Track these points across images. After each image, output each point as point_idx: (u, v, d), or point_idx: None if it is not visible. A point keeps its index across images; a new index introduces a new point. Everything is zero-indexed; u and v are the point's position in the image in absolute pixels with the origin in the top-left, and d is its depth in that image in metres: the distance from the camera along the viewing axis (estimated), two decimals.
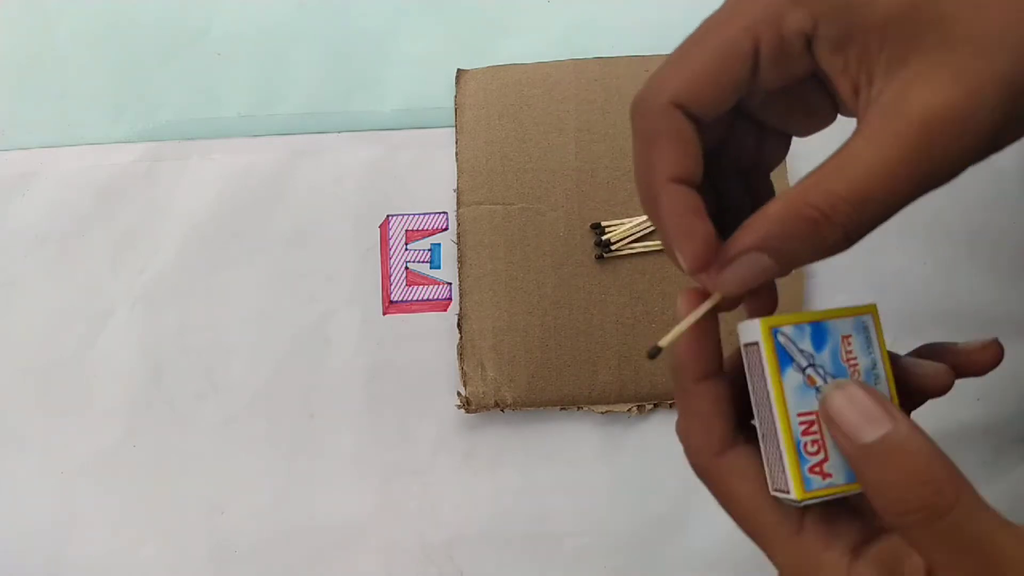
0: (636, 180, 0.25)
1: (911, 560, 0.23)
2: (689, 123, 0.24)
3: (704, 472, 0.25)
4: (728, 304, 0.26)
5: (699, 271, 0.24)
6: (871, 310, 0.24)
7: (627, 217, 0.49)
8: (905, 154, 0.21)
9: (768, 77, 0.24)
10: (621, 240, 0.48)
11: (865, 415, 0.22)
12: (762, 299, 0.27)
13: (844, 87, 0.23)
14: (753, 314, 0.27)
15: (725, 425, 0.25)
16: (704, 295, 0.25)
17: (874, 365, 0.24)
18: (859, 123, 0.23)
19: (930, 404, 0.47)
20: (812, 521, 0.24)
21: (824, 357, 0.24)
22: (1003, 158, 0.49)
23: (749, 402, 0.26)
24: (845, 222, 0.22)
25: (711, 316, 0.25)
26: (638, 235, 0.48)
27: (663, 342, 0.25)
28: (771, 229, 0.23)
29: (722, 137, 0.26)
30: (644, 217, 0.48)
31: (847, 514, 0.24)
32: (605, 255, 0.48)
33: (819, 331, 0.24)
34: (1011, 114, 0.21)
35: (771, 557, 0.25)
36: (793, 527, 0.24)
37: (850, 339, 0.24)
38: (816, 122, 0.26)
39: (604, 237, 0.48)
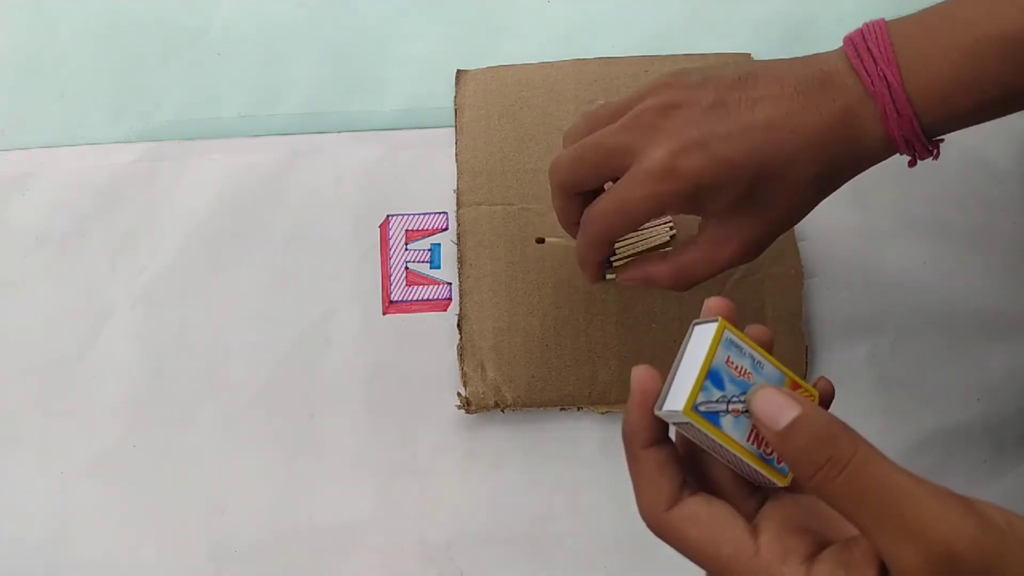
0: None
1: (858, 549, 0.25)
2: (564, 195, 0.39)
3: (658, 528, 0.29)
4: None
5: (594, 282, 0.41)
6: (721, 324, 0.28)
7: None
8: (716, 270, 0.38)
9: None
10: (622, 260, 0.48)
11: (778, 407, 0.26)
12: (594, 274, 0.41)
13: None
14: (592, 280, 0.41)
15: (671, 483, 0.28)
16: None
17: (753, 359, 0.29)
18: (698, 243, 0.37)
19: (930, 404, 0.48)
20: (766, 542, 0.27)
21: (729, 388, 0.28)
22: (1003, 158, 0.49)
23: (693, 459, 0.31)
24: (683, 287, 0.38)
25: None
26: (640, 243, 0.48)
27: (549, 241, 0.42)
28: (647, 278, 0.40)
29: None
30: (649, 228, 0.48)
31: (797, 531, 0.27)
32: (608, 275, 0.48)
33: (714, 377, 0.28)
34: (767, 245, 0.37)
35: None
36: (750, 551, 0.27)
37: (730, 358, 0.28)
38: None
39: (611, 255, 0.47)
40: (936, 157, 0.36)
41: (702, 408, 0.28)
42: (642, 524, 0.48)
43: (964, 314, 0.49)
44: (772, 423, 0.26)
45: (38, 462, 0.49)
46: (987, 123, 0.50)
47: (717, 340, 0.28)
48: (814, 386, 0.30)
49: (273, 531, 0.48)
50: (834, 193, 0.49)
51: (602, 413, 0.49)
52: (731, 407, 0.28)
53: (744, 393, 0.28)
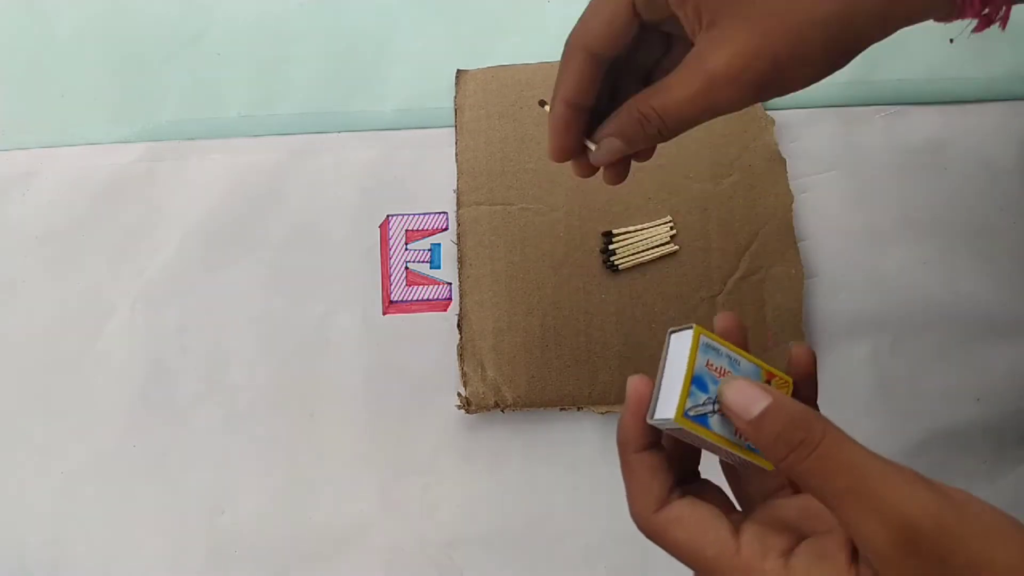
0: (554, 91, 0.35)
1: (831, 539, 0.27)
2: (587, 64, 0.34)
3: (647, 530, 0.30)
4: (586, 171, 0.37)
5: (560, 160, 0.36)
6: (697, 330, 0.29)
7: (629, 221, 0.49)
8: (695, 94, 0.31)
9: (648, 19, 0.33)
10: (627, 258, 0.48)
11: (749, 398, 0.27)
12: (617, 169, 0.37)
13: (686, 29, 0.32)
14: (612, 181, 0.37)
15: (661, 487, 0.30)
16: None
17: (730, 359, 0.30)
18: (688, 56, 0.32)
19: (930, 404, 0.48)
20: (747, 541, 0.28)
21: (712, 389, 0.29)
22: (1003, 158, 0.49)
23: (683, 465, 0.32)
24: (658, 125, 0.33)
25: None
26: (644, 253, 0.49)
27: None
28: (619, 123, 0.34)
29: (631, 50, 0.35)
30: (650, 228, 0.49)
31: (778, 529, 0.28)
32: (610, 269, 0.49)
33: (698, 382, 0.29)
34: (772, 78, 0.30)
35: None
36: (732, 550, 0.28)
37: (709, 361, 0.29)
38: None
39: (612, 255, 0.49)
40: (1004, 24, 0.30)
41: (691, 413, 0.29)
42: None
43: (964, 314, 0.49)
44: (744, 413, 0.27)
45: (38, 462, 0.49)
46: (987, 123, 0.51)
47: (695, 347, 0.29)
48: (789, 353, 0.32)
49: (273, 531, 0.48)
50: (835, 193, 0.50)
51: (602, 413, 0.49)
52: (716, 407, 0.29)
53: None
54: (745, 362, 0.30)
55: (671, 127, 0.33)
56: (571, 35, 0.34)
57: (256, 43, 0.52)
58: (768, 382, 0.31)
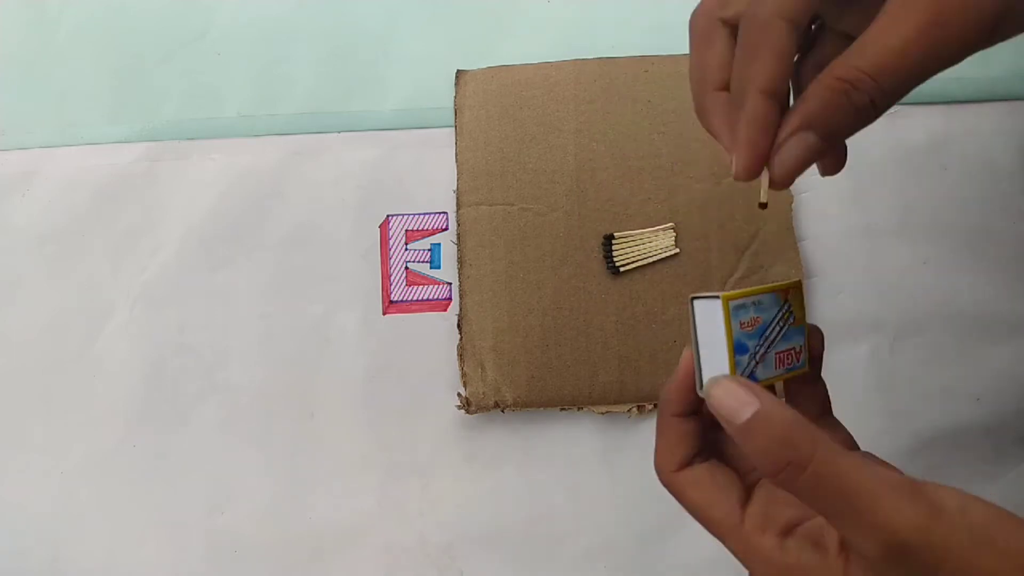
0: (733, 82, 0.28)
1: (828, 529, 0.27)
2: (792, 38, 0.27)
3: (666, 484, 0.31)
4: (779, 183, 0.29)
5: (751, 177, 0.28)
6: (724, 301, 0.29)
7: (629, 222, 0.49)
8: (917, 33, 0.25)
9: None
10: (629, 264, 0.48)
11: (737, 401, 0.27)
12: (833, 165, 0.31)
13: None
14: (828, 171, 0.32)
15: (686, 450, 0.31)
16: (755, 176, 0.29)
17: (756, 305, 0.30)
18: (883, 7, 0.26)
19: (930, 404, 0.48)
20: (752, 512, 0.29)
21: (751, 344, 0.30)
22: (1003, 158, 0.49)
23: (710, 438, 0.32)
24: (870, 90, 0.26)
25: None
26: (645, 259, 0.49)
27: (763, 198, 0.29)
28: (810, 106, 0.27)
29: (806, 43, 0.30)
30: (652, 236, 0.49)
31: (782, 503, 0.29)
32: (611, 270, 0.48)
33: (739, 347, 0.29)
34: (1011, 6, 0.25)
35: (727, 547, 0.29)
36: (737, 519, 0.29)
37: (741, 322, 0.30)
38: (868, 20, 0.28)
39: (613, 258, 0.48)
40: None
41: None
42: (641, 524, 0.48)
43: (964, 314, 0.49)
44: (732, 417, 0.27)
45: (38, 462, 0.49)
46: (988, 123, 0.50)
47: (727, 317, 0.29)
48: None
49: (273, 531, 0.48)
50: (835, 193, 0.50)
51: (602, 413, 0.49)
52: (758, 357, 0.30)
53: (763, 338, 0.30)
54: (767, 298, 0.31)
55: (889, 91, 0.26)
56: (754, 6, 0.27)
57: (256, 43, 0.52)
58: (786, 303, 0.31)
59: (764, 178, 0.28)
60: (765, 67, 0.27)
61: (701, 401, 0.31)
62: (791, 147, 0.27)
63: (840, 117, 0.27)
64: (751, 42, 0.27)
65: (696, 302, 0.30)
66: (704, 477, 0.30)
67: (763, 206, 0.29)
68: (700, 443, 0.31)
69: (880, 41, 0.25)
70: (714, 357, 0.29)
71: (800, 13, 0.27)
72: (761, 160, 0.28)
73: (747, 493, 0.30)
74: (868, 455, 0.31)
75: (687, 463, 0.31)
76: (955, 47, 0.25)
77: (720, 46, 0.29)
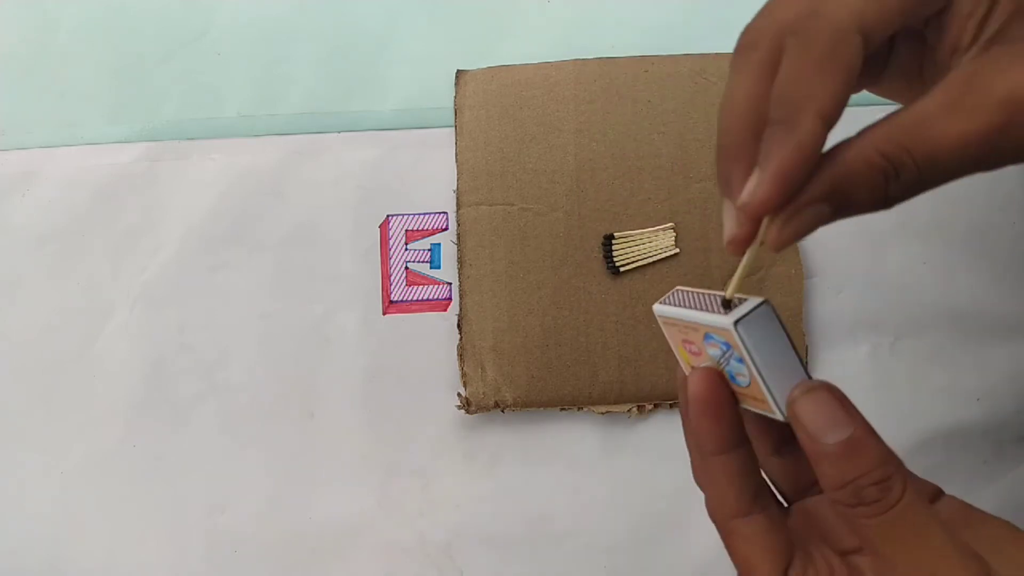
0: (778, 102, 0.23)
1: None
2: (859, 55, 0.23)
3: (719, 528, 0.28)
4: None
5: (753, 219, 0.24)
6: (767, 303, 0.26)
7: (629, 222, 0.49)
8: (984, 131, 0.22)
9: (925, 11, 0.24)
10: (629, 264, 0.48)
11: (831, 419, 0.24)
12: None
13: (947, 36, 0.24)
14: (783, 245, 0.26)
15: (740, 494, 0.27)
16: (749, 240, 0.25)
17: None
18: (940, 83, 0.23)
19: (930, 404, 0.48)
20: None
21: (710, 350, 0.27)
22: None
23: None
24: (913, 177, 0.22)
25: (728, 398, 0.27)
26: (645, 259, 0.48)
27: (729, 293, 0.27)
28: (842, 179, 0.23)
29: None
30: (652, 236, 0.49)
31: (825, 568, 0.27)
32: (611, 270, 0.48)
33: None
34: None
35: None
36: None
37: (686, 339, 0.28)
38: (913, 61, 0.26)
39: (613, 258, 0.48)
40: None
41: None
42: (642, 524, 0.48)
43: (964, 314, 0.49)
44: (820, 435, 0.24)
45: (38, 462, 0.49)
46: None
47: (781, 320, 0.26)
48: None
49: (273, 531, 0.48)
50: None
51: (602, 413, 0.48)
52: (726, 360, 0.27)
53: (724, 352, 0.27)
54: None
55: (926, 182, 0.23)
56: (826, 12, 0.23)
57: (256, 43, 0.52)
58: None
59: (737, 274, 0.27)
60: (829, 87, 0.22)
61: (741, 431, 0.28)
62: (805, 219, 0.23)
63: (867, 198, 0.23)
64: (815, 56, 0.22)
65: (742, 325, 0.25)
66: (757, 534, 0.27)
67: (727, 304, 0.27)
68: (755, 481, 0.27)
69: (939, 126, 0.22)
70: (780, 370, 0.26)
71: (879, 26, 0.23)
72: (775, 207, 0.23)
73: (790, 552, 0.27)
74: (953, 501, 0.28)
75: (747, 511, 0.27)
76: (1014, 156, 0.22)
77: (843, 58, 0.23)
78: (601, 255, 0.49)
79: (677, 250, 0.48)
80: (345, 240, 0.50)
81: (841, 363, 0.49)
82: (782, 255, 0.48)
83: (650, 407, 0.48)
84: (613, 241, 0.48)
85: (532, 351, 0.48)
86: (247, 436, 0.49)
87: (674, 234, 0.49)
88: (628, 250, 0.48)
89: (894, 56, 0.27)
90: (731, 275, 0.47)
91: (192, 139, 0.51)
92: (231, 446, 0.49)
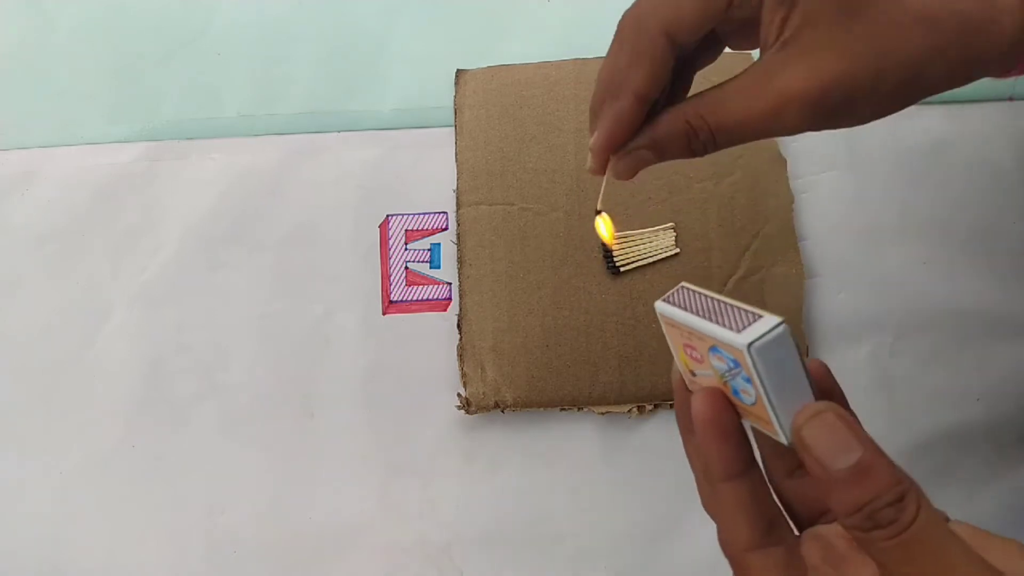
0: (603, 77, 0.32)
1: None
2: (668, 52, 0.31)
3: (730, 560, 0.27)
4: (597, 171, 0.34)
5: (600, 171, 0.33)
6: (787, 325, 0.26)
7: (629, 223, 0.49)
8: (761, 113, 0.29)
9: (736, 15, 0.30)
10: (629, 264, 0.48)
11: (838, 443, 0.24)
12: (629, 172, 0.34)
13: (762, 35, 0.30)
14: (624, 177, 0.34)
15: (752, 525, 0.27)
16: (600, 171, 0.33)
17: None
18: (742, 72, 0.30)
19: (930, 404, 0.48)
20: None
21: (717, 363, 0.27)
22: (1003, 157, 0.49)
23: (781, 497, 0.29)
24: (707, 140, 0.31)
25: (735, 420, 0.27)
26: (646, 259, 0.48)
27: (599, 205, 0.36)
28: (658, 133, 0.32)
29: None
30: (653, 236, 0.49)
31: None
32: (611, 271, 0.48)
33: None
34: (842, 108, 0.29)
35: None
36: None
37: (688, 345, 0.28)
38: (750, 44, 0.33)
39: (614, 258, 0.48)
40: None
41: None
42: (642, 525, 0.48)
43: (964, 314, 0.49)
44: (828, 460, 0.24)
45: (38, 462, 0.49)
46: (988, 123, 0.50)
47: (794, 341, 0.26)
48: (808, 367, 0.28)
49: (273, 531, 0.48)
50: (836, 193, 0.50)
51: (602, 414, 0.48)
52: (731, 376, 0.26)
53: (725, 362, 0.26)
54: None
55: (720, 143, 0.31)
56: (643, 18, 0.31)
57: (256, 43, 0.52)
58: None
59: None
60: (641, 73, 0.31)
61: (748, 456, 0.27)
62: (632, 159, 0.32)
63: (676, 150, 0.32)
64: (635, 48, 0.31)
65: (756, 350, 0.25)
66: (773, 569, 0.26)
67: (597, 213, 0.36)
68: (767, 511, 0.27)
69: (727, 105, 0.30)
70: (789, 393, 0.25)
71: (685, 34, 0.30)
72: (609, 152, 0.32)
73: None
74: (961, 525, 0.28)
75: (760, 544, 0.26)
76: (787, 130, 0.29)
77: (651, 54, 0.31)
78: (601, 255, 0.49)
79: (677, 250, 0.49)
80: (345, 240, 0.50)
81: (841, 363, 0.49)
82: (783, 255, 0.49)
83: (650, 407, 0.48)
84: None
85: (532, 351, 0.48)
86: (247, 436, 0.49)
87: (674, 234, 0.49)
88: (628, 250, 0.48)
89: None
90: (731, 275, 0.48)
91: (192, 139, 0.52)
92: (230, 446, 0.49)
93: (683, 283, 0.29)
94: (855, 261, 0.50)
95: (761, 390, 0.25)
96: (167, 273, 0.50)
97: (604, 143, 0.32)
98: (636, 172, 0.33)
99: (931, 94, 0.30)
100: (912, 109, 0.47)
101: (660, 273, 0.48)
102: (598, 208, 0.38)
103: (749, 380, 0.25)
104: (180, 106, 0.52)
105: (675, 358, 0.29)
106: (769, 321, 0.25)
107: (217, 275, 0.50)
